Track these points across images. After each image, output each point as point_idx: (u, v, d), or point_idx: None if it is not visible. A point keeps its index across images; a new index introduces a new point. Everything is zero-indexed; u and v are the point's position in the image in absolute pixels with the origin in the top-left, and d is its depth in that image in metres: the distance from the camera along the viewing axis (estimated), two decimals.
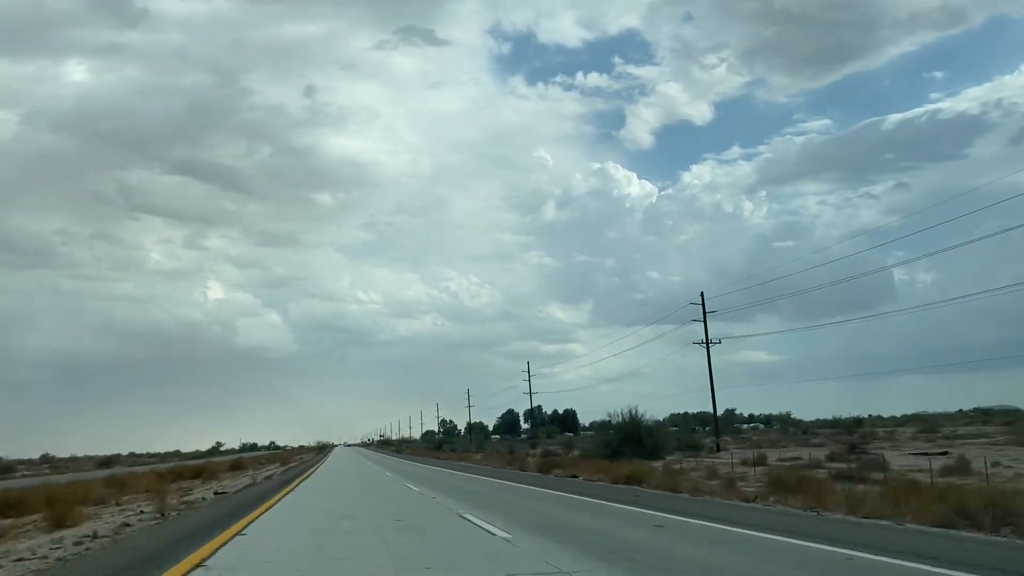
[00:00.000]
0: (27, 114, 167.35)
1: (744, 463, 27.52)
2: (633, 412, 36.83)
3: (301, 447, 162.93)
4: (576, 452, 48.51)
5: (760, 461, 27.04)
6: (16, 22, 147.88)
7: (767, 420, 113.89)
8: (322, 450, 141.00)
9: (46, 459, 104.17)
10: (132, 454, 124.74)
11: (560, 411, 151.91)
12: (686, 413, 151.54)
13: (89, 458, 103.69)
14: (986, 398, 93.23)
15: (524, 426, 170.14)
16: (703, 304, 45.49)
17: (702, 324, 45.75)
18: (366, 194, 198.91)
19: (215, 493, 22.66)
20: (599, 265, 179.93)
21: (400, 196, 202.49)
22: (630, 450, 34.76)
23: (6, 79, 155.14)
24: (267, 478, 33.99)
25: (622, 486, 20.56)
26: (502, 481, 25.36)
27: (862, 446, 34.93)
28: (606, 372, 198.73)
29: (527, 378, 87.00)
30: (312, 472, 38.18)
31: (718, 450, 43.00)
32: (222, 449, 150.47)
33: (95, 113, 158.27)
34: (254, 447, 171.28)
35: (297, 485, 25.72)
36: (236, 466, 44.43)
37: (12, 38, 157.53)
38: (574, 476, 25.98)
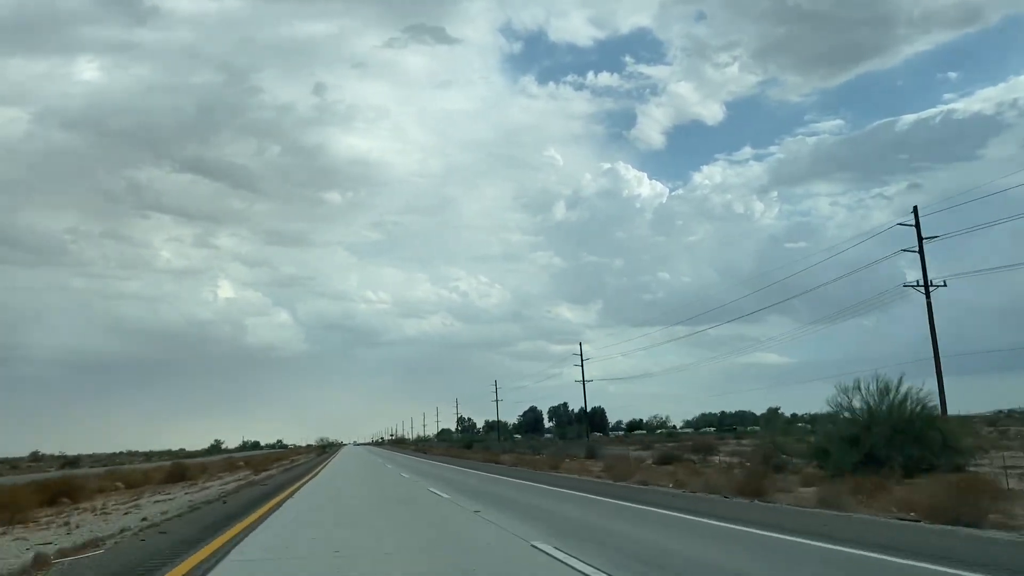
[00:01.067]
0: (38, 112, 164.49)
1: None
2: (888, 386, 22.04)
3: (309, 446, 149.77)
4: (722, 456, 34.52)
5: None
6: (27, 20, 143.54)
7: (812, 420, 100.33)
8: (325, 450, 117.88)
9: (35, 456, 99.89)
10: (132, 452, 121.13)
11: (583, 410, 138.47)
12: (723, 412, 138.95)
13: (89, 456, 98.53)
14: (994, 401, 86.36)
15: (548, 424, 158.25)
16: (917, 224, 29.70)
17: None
18: (375, 193, 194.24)
19: None
20: (608, 265, 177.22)
21: (409, 195, 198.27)
22: (900, 454, 20.43)
23: (17, 77, 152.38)
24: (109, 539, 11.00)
25: None
26: None
27: None
28: (616, 371, 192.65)
29: (579, 363, 72.59)
30: (287, 498, 17.86)
31: None
32: (222, 448, 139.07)
33: (105, 111, 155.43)
34: (256, 446, 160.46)
35: None
36: (176, 476, 28.50)
37: (23, 36, 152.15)
38: None
